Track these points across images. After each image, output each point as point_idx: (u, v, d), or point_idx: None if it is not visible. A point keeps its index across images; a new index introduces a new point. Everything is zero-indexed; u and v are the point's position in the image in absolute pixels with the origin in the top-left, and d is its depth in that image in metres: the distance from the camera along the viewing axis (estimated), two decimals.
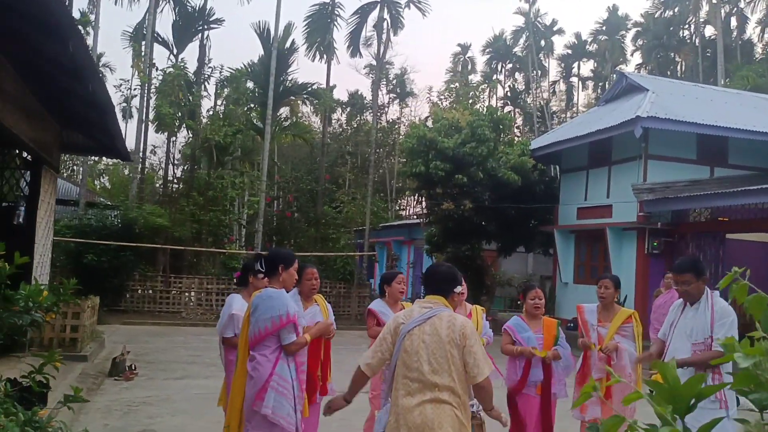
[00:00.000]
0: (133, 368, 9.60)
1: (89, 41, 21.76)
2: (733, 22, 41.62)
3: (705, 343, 4.26)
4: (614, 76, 28.70)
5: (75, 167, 40.52)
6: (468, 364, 3.41)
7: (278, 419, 4.04)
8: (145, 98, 23.27)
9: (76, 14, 18.50)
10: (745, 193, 12.64)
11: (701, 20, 41.62)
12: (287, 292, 4.39)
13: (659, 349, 4.63)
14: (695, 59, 39.94)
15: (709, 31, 41.75)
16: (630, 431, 1.20)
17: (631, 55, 48.57)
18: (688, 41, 43.33)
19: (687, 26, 44.00)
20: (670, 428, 1.07)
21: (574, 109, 50.63)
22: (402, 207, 42.70)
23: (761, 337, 1.19)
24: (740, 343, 1.19)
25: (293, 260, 4.45)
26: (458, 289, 3.71)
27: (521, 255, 22.04)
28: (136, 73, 23.73)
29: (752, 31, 42.80)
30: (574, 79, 52.40)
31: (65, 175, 36.26)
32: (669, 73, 41.86)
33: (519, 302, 7.06)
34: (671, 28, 43.20)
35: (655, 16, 44.41)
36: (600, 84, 48.24)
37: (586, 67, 51.71)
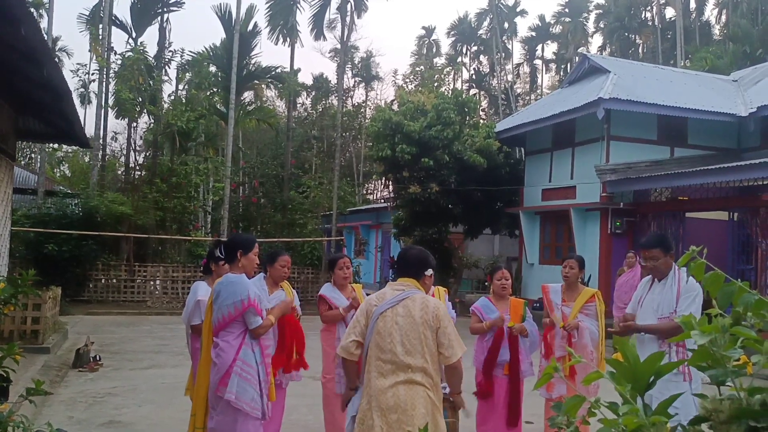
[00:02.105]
0: (98, 359, 9.46)
1: (43, 24, 21.10)
2: (692, 3, 42.36)
3: (670, 317, 4.34)
4: (577, 58, 29.00)
5: (33, 155, 39.46)
6: (443, 345, 3.44)
7: (242, 405, 4.03)
8: (104, 83, 22.69)
9: None
10: (703, 173, 12.94)
11: (661, 2, 42.26)
12: (249, 277, 4.34)
13: (632, 318, 4.72)
14: (655, 41, 40.57)
15: (669, 12, 42.42)
16: (593, 408, 1.22)
17: (592, 36, 49.17)
18: (649, 23, 43.97)
19: (648, 8, 44.62)
20: (629, 406, 1.08)
21: (538, 91, 51.08)
22: (369, 191, 42.73)
23: (718, 314, 1.22)
24: (700, 319, 1.21)
25: (252, 245, 4.37)
26: (429, 272, 3.72)
27: (488, 237, 22.24)
28: (94, 57, 23.09)
29: (710, 12, 43.71)
30: (538, 62, 52.84)
31: (23, 163, 35.31)
32: (630, 54, 42.46)
33: (486, 283, 7.15)
34: (632, 10, 43.76)
35: None
36: (563, 66, 48.72)
37: (550, 50, 52.21)
